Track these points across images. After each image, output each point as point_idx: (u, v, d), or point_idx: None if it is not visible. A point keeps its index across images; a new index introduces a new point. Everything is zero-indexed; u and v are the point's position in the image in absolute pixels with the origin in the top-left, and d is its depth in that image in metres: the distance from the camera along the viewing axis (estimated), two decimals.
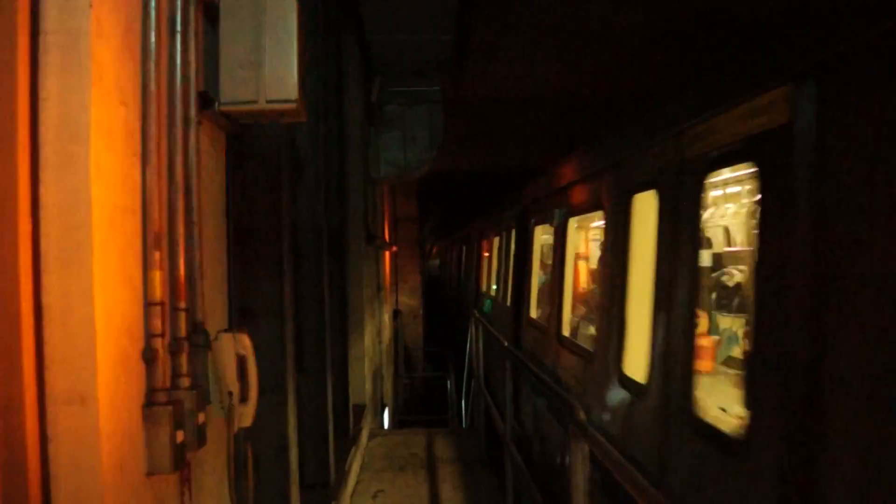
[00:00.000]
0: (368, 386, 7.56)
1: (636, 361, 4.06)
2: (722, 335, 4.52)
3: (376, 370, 8.90)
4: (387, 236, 11.88)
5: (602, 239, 5.32)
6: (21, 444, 1.48)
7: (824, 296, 2.30)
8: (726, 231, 5.46)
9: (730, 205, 5.14)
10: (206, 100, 2.21)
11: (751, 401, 2.71)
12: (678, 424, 3.34)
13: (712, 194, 4.86)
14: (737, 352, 4.34)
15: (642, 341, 3.93)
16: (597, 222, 6.57)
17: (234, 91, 2.26)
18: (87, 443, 1.56)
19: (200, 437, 2.06)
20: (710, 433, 3.02)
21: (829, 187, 2.32)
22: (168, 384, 1.93)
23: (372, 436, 7.39)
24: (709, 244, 4.77)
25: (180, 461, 1.92)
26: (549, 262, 7.44)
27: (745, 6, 5.49)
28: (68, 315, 1.54)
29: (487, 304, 12.08)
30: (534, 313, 7.93)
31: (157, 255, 1.86)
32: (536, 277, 8.24)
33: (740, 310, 4.43)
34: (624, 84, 7.96)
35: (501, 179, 14.17)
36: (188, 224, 2.07)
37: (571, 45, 6.83)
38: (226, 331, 2.27)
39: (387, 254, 10.86)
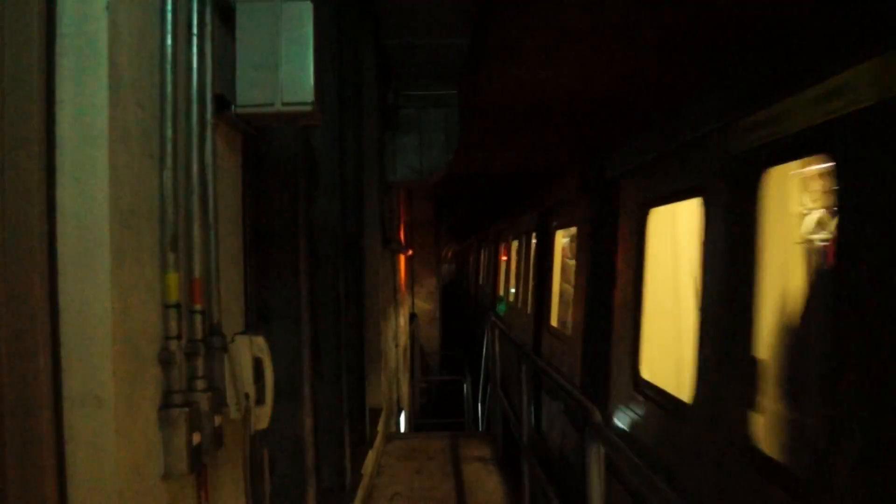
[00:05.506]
0: (385, 389, 7.55)
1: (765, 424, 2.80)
2: None
3: (393, 374, 8.90)
4: (402, 239, 11.89)
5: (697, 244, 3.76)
6: (38, 447, 1.48)
7: None
8: None
9: None
10: (223, 102, 2.22)
11: None
12: None
13: None
14: None
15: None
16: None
17: (250, 94, 2.27)
18: (102, 445, 1.56)
19: (217, 439, 2.06)
20: None
21: None
22: (184, 386, 1.93)
23: (388, 439, 7.38)
24: None
25: (197, 463, 1.92)
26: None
27: (768, 8, 5.43)
28: (84, 317, 1.54)
29: (504, 308, 11.91)
30: (554, 321, 7.52)
31: (173, 256, 1.87)
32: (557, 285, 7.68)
33: None
34: (643, 86, 7.90)
35: (519, 183, 14.13)
36: (204, 226, 2.07)
37: (589, 47, 6.80)
38: (242, 333, 2.27)
39: (401, 257, 10.85)
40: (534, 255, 8.87)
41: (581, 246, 6.03)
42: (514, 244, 11.70)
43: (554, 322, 7.48)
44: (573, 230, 7.12)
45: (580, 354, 5.69)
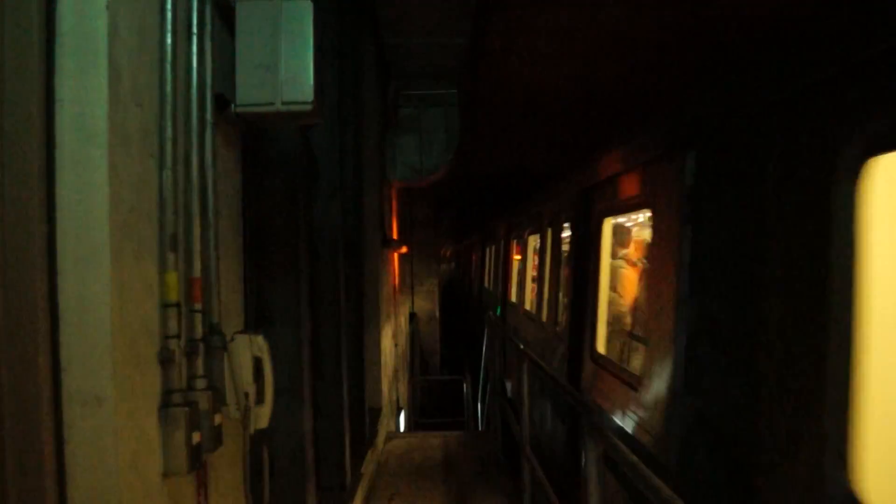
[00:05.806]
0: (385, 388, 7.55)
1: None
2: None
3: (393, 373, 8.90)
4: (399, 236, 11.85)
5: None
6: (38, 446, 1.48)
7: None
8: None
9: None
10: (223, 102, 2.22)
11: None
12: None
13: None
14: None
15: None
16: None
17: (251, 93, 2.27)
18: (102, 443, 1.56)
19: (216, 438, 2.06)
20: None
21: None
22: (184, 385, 1.93)
23: (388, 438, 7.38)
24: None
25: (196, 462, 1.92)
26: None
27: (766, 8, 5.42)
28: (84, 316, 1.54)
29: (516, 320, 10.38)
30: None
31: (172, 256, 1.87)
32: None
33: None
34: (643, 84, 7.88)
35: (521, 181, 14.08)
36: (204, 225, 2.07)
37: (588, 45, 6.78)
38: (242, 332, 2.27)
39: (395, 255, 10.77)
40: (567, 254, 6.57)
41: (663, 237, 3.81)
42: (534, 240, 9.31)
43: (602, 348, 5.18)
44: (641, 214, 5.07)
45: (673, 415, 3.41)
